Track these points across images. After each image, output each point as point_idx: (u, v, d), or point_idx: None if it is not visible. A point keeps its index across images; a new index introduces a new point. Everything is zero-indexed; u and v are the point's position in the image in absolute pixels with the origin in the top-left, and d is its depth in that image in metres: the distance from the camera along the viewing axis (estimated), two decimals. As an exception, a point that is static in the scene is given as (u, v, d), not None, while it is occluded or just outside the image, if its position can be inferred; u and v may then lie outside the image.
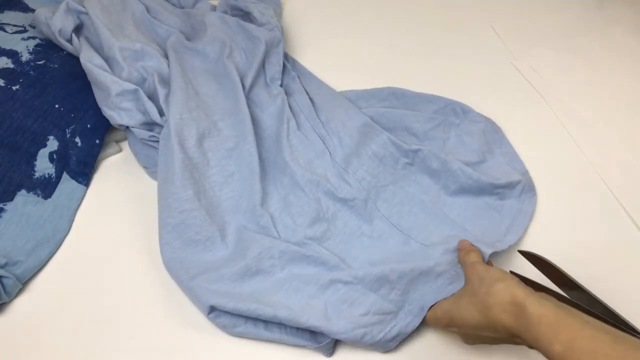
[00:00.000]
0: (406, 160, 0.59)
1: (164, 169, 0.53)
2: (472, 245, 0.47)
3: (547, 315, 0.32)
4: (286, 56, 0.72)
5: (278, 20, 0.73)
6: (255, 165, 0.55)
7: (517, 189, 0.57)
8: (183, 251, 0.49)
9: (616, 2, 0.94)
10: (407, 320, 0.45)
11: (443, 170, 0.57)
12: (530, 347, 0.34)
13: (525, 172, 0.61)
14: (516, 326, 0.33)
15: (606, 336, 0.30)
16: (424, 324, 0.45)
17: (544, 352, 0.32)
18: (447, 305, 0.41)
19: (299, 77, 0.69)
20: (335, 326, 0.43)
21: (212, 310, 0.45)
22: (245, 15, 0.76)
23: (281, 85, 0.66)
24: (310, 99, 0.65)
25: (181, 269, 0.47)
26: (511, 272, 0.44)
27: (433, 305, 0.44)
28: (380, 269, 0.46)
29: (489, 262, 0.47)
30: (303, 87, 0.67)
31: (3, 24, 0.63)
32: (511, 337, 0.35)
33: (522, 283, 0.36)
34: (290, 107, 0.63)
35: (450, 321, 0.40)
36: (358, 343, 0.44)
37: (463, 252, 0.46)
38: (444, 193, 0.57)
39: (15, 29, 0.63)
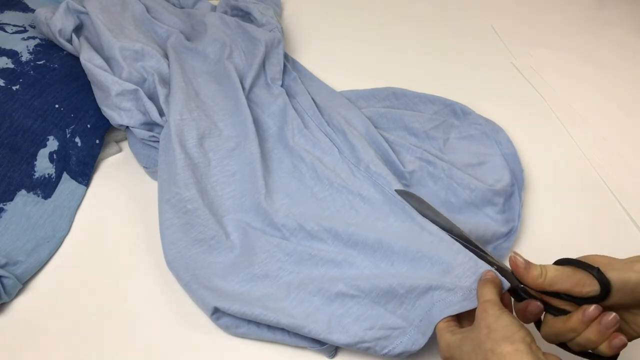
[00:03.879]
0: (403, 182, 0.57)
1: (165, 169, 0.53)
2: (496, 277, 0.41)
3: None
4: (286, 56, 0.72)
5: (278, 21, 0.73)
6: (257, 165, 0.55)
7: (516, 193, 0.57)
8: (188, 251, 0.49)
9: (616, 2, 0.94)
10: (413, 338, 0.43)
11: (441, 188, 0.56)
12: None
13: (521, 174, 0.60)
14: None
15: None
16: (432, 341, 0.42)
17: None
18: (453, 341, 0.38)
19: (299, 78, 0.68)
20: (338, 340, 0.42)
21: (216, 312, 0.45)
22: (246, 16, 0.76)
23: (282, 86, 0.66)
24: (312, 98, 0.65)
25: (185, 269, 0.47)
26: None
27: (440, 327, 0.41)
28: (388, 282, 0.44)
29: (504, 300, 0.41)
30: (305, 87, 0.67)
31: (3, 24, 0.63)
32: None
33: (533, 345, 0.33)
34: (293, 108, 0.62)
35: (450, 357, 0.38)
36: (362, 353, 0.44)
37: (481, 282, 0.41)
38: (445, 210, 0.55)
39: (15, 29, 0.63)
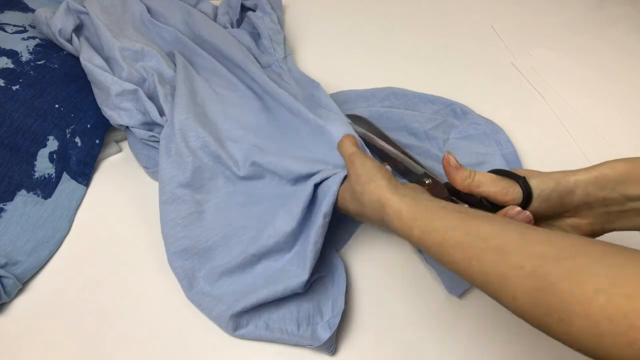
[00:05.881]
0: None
1: (167, 169, 0.53)
2: (349, 134, 0.49)
3: (406, 209, 0.37)
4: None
5: (284, 47, 0.71)
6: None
7: None
8: (191, 249, 0.49)
9: (616, 2, 0.94)
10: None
11: None
12: (399, 236, 0.38)
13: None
14: (382, 222, 0.39)
15: (455, 214, 0.34)
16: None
17: (407, 239, 0.37)
18: (341, 192, 0.45)
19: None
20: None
21: (236, 323, 0.45)
22: (254, 29, 0.74)
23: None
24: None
25: (191, 279, 0.48)
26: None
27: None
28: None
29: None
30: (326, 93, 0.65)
31: (3, 24, 0.63)
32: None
33: (392, 180, 0.40)
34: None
35: (341, 204, 0.45)
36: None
37: (339, 143, 0.48)
38: None
39: (15, 29, 0.63)
